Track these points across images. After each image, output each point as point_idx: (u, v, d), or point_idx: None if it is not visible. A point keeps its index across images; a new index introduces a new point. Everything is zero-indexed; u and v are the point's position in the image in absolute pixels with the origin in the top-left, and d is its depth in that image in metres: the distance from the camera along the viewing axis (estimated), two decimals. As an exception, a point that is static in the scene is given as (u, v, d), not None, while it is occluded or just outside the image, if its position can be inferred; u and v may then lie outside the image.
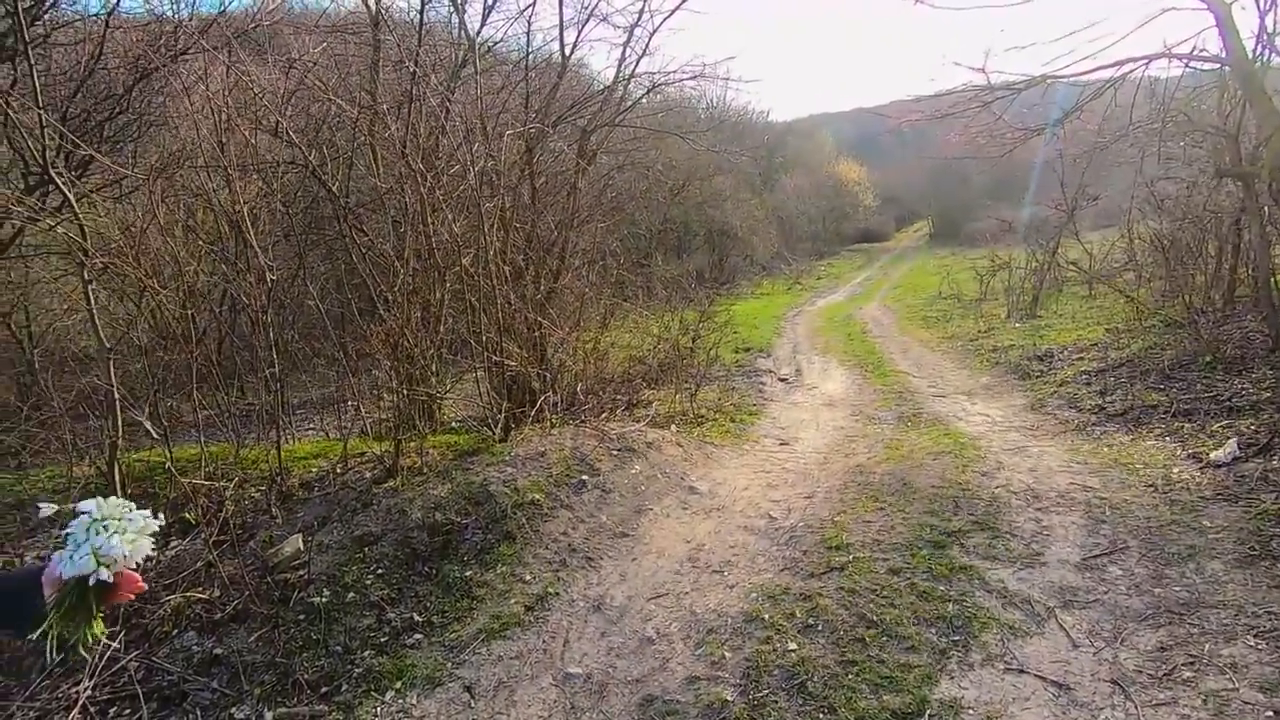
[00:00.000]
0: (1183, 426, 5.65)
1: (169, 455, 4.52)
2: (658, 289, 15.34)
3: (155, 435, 4.20)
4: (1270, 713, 2.34)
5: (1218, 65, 7.82)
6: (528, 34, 8.48)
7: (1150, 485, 4.20)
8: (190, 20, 7.38)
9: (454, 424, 7.44)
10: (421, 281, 4.56)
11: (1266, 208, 7.88)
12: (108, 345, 4.01)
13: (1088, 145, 10.36)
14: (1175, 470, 4.39)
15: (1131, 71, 7.99)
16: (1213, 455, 4.35)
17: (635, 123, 10.37)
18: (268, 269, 4.14)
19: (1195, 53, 7.65)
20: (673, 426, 7.28)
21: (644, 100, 11.67)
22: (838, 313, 17.49)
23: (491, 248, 4.65)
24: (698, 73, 9.50)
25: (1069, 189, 15.76)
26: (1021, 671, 2.75)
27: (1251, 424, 5.19)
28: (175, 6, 7.34)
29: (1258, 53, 7.12)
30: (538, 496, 4.33)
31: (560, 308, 10.80)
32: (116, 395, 3.98)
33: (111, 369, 3.78)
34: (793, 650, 3.07)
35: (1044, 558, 3.54)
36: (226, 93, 6.02)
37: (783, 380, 10.38)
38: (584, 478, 4.62)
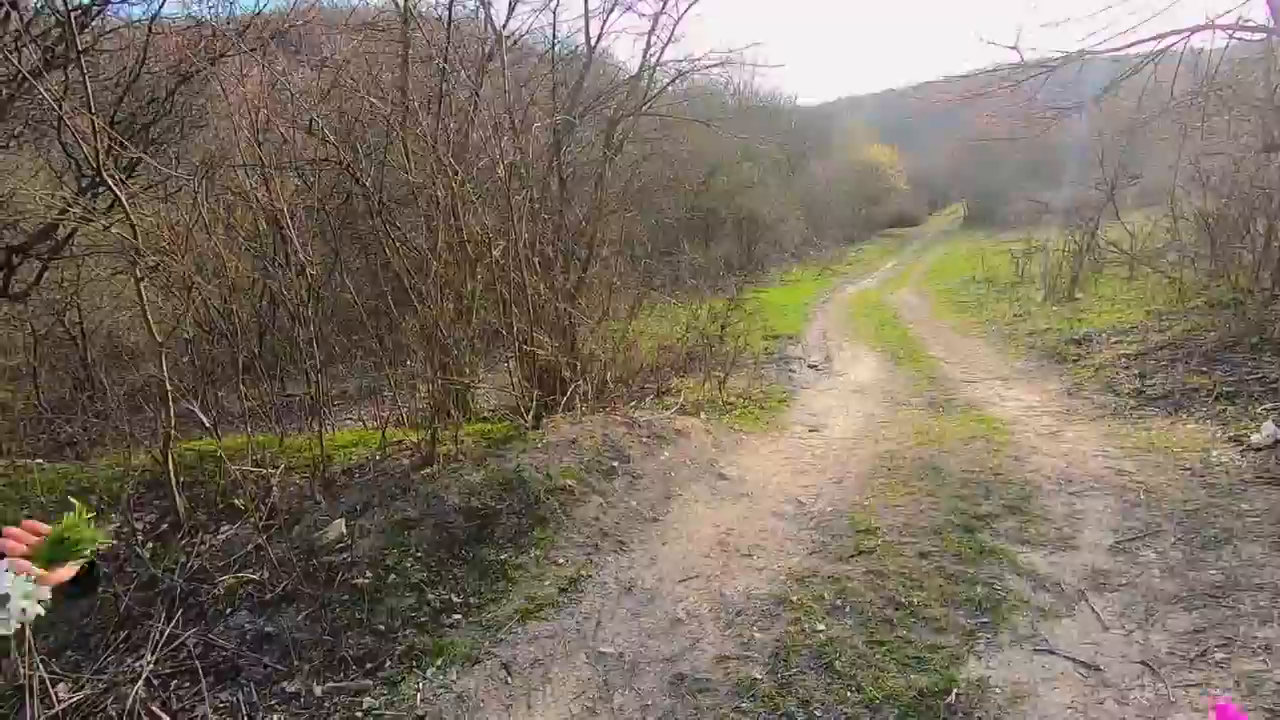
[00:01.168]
0: (1225, 409, 5.52)
1: (219, 444, 4.74)
2: (686, 277, 15.37)
3: (206, 424, 4.40)
4: (1305, 693, 2.33)
5: (1264, 35, 7.54)
6: (553, 25, 8.50)
7: (1188, 469, 4.13)
8: (228, 24, 7.60)
9: (487, 413, 7.60)
10: (453, 274, 4.68)
11: (1318, 183, 7.60)
12: (159, 340, 4.21)
13: (1126, 124, 10.06)
14: (1214, 453, 4.31)
15: (1173, 45, 7.76)
16: (1253, 438, 4.26)
17: (661, 111, 10.37)
18: (308, 263, 4.29)
19: (1240, 23, 7.40)
20: (702, 414, 7.34)
21: (670, 89, 11.66)
22: (868, 299, 17.30)
23: (520, 239, 4.74)
24: (723, 59, 9.47)
25: (1108, 168, 15.34)
26: (1051, 653, 2.77)
27: (1298, 406, 5.06)
28: (214, 10, 7.56)
29: (1308, 21, 6.85)
30: (569, 482, 4.43)
31: (590, 297, 10.91)
32: (169, 387, 4.18)
33: (164, 363, 3.97)
34: (820, 631, 3.12)
35: (1076, 541, 3.52)
36: (263, 93, 6.21)
37: (812, 367, 10.35)
38: (614, 464, 4.71)
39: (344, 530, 4.11)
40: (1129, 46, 7.82)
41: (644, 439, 5.11)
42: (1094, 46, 7.86)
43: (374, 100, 6.44)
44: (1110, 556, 3.35)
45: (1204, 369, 6.99)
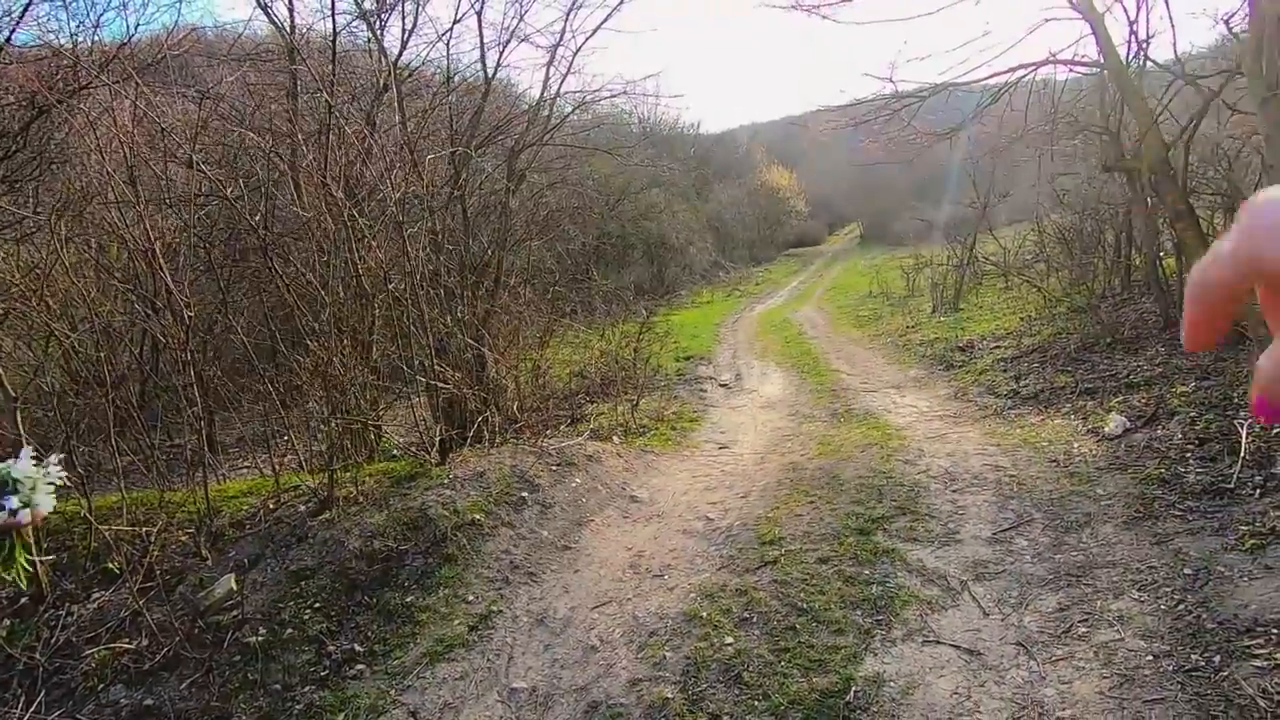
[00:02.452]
0: (1085, 404, 6.08)
1: (87, 504, 4.37)
2: (598, 304, 15.49)
3: (69, 484, 4.05)
4: (1150, 656, 2.59)
5: (1096, 69, 8.49)
6: (447, 58, 8.48)
7: (1053, 461, 4.53)
8: (90, 53, 7.15)
9: (395, 451, 7.37)
10: (349, 310, 4.55)
11: (1149, 199, 8.57)
12: (13, 395, 3.87)
13: (990, 148, 11.05)
14: (1076, 445, 4.75)
15: (1023, 76, 8.60)
16: (1106, 429, 4.73)
17: (565, 141, 10.50)
18: (185, 305, 4.06)
19: (1076, 58, 8.30)
20: (615, 438, 7.39)
21: (574, 118, 11.84)
22: (775, 317, 17.96)
23: (417, 272, 4.67)
24: (623, 89, 9.73)
25: (982, 188, 16.70)
26: (938, 643, 2.95)
27: (1142, 397, 5.64)
28: (74, 37, 7.11)
29: (1130, 57, 7.76)
30: (478, 517, 4.36)
31: (498, 328, 10.81)
32: (26, 445, 3.83)
33: (18, 418, 3.65)
34: (729, 644, 3.20)
35: (959, 535, 3.78)
36: (134, 126, 5.88)
37: (723, 386, 10.62)
38: (524, 495, 4.67)
39: (233, 586, 3.87)
40: (987, 78, 8.61)
41: (554, 467, 5.09)
42: (957, 79, 8.60)
43: (253, 134, 6.22)
44: (989, 547, 3.61)
45: (1068, 369, 7.68)
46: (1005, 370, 8.31)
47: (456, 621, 3.71)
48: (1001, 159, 12.43)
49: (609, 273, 23.68)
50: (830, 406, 8.10)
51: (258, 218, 6.15)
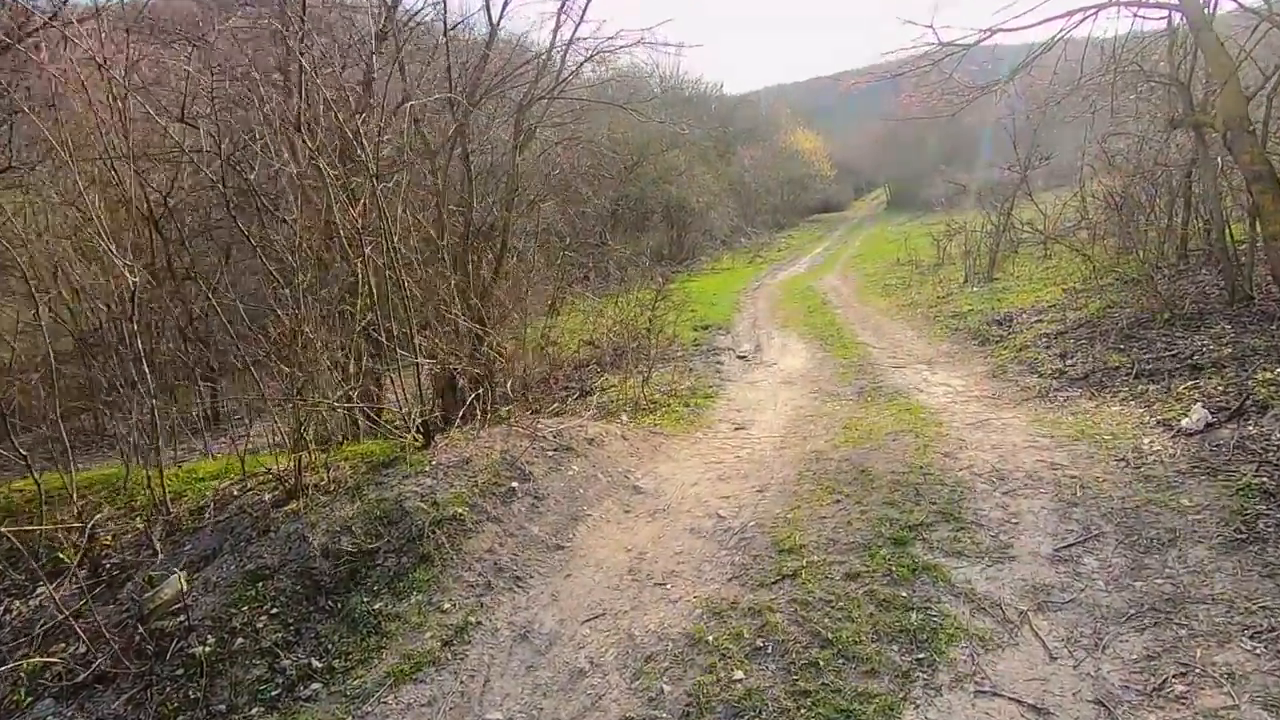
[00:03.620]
0: (1147, 389, 5.38)
1: (35, 484, 3.93)
2: (612, 269, 14.85)
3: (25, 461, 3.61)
4: (1279, 737, 2.01)
5: (1166, 11, 7.53)
6: (444, 3, 7.77)
7: (1121, 459, 3.88)
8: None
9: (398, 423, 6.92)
10: (317, 275, 4.01)
11: (1220, 159, 7.66)
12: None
13: (1040, 102, 10.10)
14: (1146, 440, 4.09)
15: (1080, 23, 7.67)
16: (1184, 423, 4.06)
17: (579, 95, 9.75)
18: (129, 270, 3.54)
19: (1144, 0, 7.35)
20: (623, 415, 6.85)
21: (590, 74, 11.07)
22: (798, 285, 17.17)
23: (396, 234, 4.09)
24: (639, 39, 8.92)
25: (1022, 149, 15.61)
26: (994, 694, 2.39)
27: (1218, 384, 4.93)
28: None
29: (1208, -4, 6.82)
30: (460, 510, 3.85)
31: (509, 293, 10.25)
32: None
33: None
34: (739, 680, 2.67)
35: (1013, 550, 3.19)
36: (112, 74, 5.31)
37: (741, 358, 10.01)
38: (514, 485, 4.15)
39: (182, 586, 3.41)
40: (1038, 24, 7.70)
41: (550, 453, 4.56)
42: (1004, 24, 7.69)
43: (241, 83, 5.63)
44: (1051, 567, 3.02)
45: (1121, 346, 6.94)
46: (1049, 347, 7.58)
47: (429, 634, 3.22)
48: (1047, 117, 11.45)
49: (628, 237, 22.95)
50: (856, 383, 7.46)
51: (252, 175, 5.59)
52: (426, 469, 4.14)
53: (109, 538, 3.81)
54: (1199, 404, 4.19)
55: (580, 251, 13.25)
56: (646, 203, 23.02)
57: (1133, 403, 5.11)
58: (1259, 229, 7.20)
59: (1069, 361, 6.94)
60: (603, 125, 18.58)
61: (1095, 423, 4.72)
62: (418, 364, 4.39)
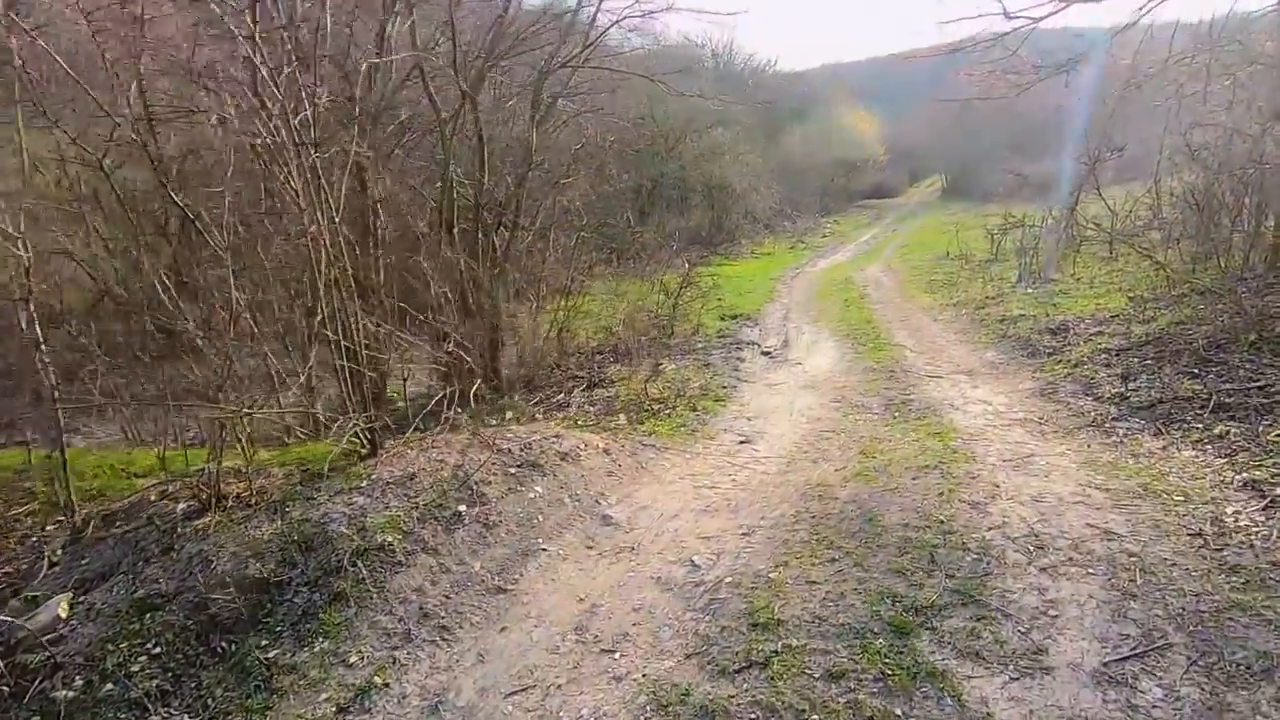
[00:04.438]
0: (1228, 430, 4.47)
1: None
2: (640, 252, 14.12)
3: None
4: None
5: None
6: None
7: (1195, 533, 3.07)
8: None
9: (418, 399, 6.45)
10: (249, 255, 3.46)
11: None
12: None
13: (1119, 86, 8.90)
14: (1228, 508, 3.25)
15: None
16: (1282, 491, 3.22)
17: (607, 65, 8.99)
18: (21, 244, 3.05)
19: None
20: (621, 417, 6.23)
21: (635, 43, 10.28)
22: (838, 275, 16.15)
23: (326, 209, 3.49)
24: (668, 4, 8.10)
25: (1093, 139, 14.19)
26: None
27: (1321, 434, 4.02)
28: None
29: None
30: (391, 538, 3.29)
31: (522, 274, 9.68)
32: None
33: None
34: (669, 817, 2.04)
35: (1048, 657, 2.45)
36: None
37: (766, 354, 9.24)
38: (461, 509, 3.57)
39: (61, 613, 2.95)
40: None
41: (513, 469, 3.96)
42: (1085, -6, 6.61)
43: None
44: (1096, 691, 2.28)
45: (1195, 371, 5.96)
46: (1108, 365, 6.62)
47: (324, 696, 2.68)
48: (1121, 107, 10.20)
49: (668, 216, 22.11)
50: (884, 393, 6.66)
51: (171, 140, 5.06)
52: (363, 485, 3.59)
53: (9, 540, 3.38)
54: None
55: (603, 232, 12.56)
56: (688, 181, 22.09)
57: (1209, 448, 4.23)
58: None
59: (1132, 385, 6.00)
60: (642, 99, 17.73)
61: (1162, 472, 3.87)
62: (349, 360, 3.82)
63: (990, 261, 14.43)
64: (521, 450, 4.14)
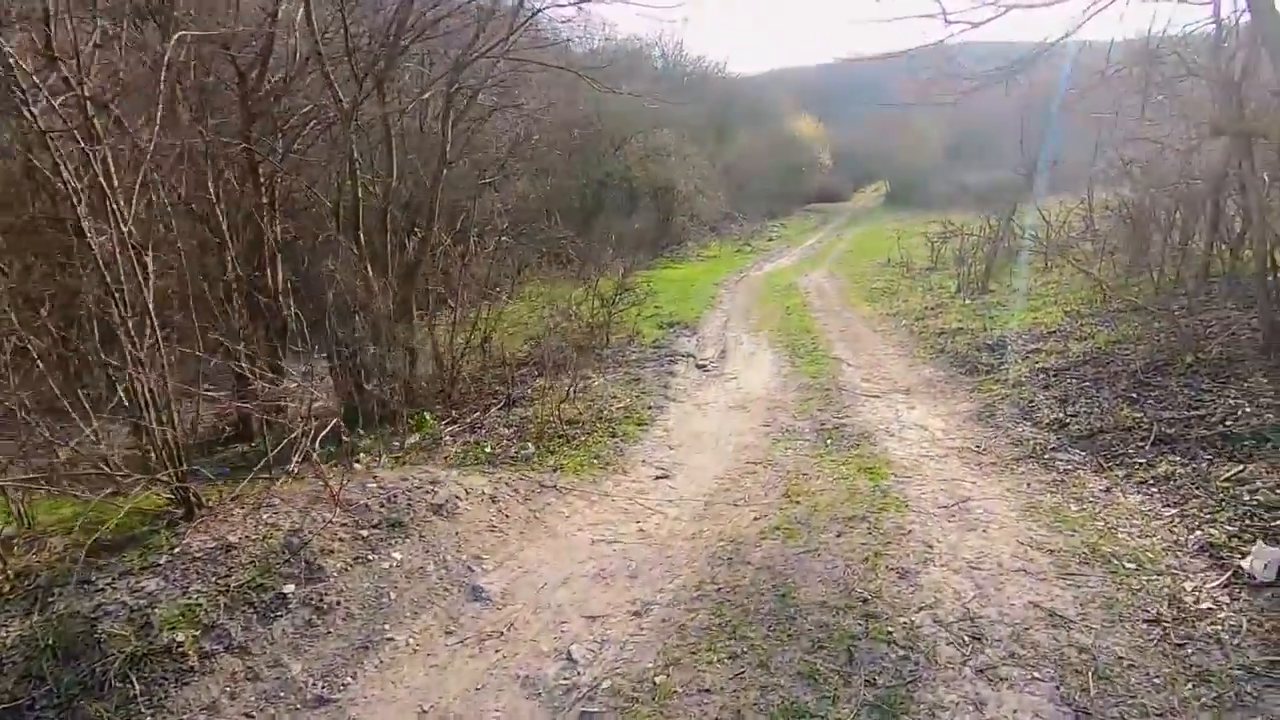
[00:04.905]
0: (1174, 471, 4.09)
1: None
2: (576, 255, 13.45)
3: None
4: None
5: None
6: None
7: (1153, 619, 2.59)
8: None
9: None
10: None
11: (1265, 176, 6.28)
12: None
13: (1058, 97, 8.69)
14: (1186, 584, 2.80)
15: (1111, 2, 6.23)
16: (1247, 566, 2.77)
17: (543, 58, 8.27)
18: None
19: (1197, -25, 5.92)
20: (531, 445, 5.56)
21: (557, 34, 9.56)
22: (782, 280, 15.79)
23: (121, 215, 2.73)
24: (597, -6, 7.42)
25: (1030, 150, 14.18)
26: None
27: (1271, 479, 3.65)
28: None
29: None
30: (183, 636, 2.56)
31: (446, 279, 8.90)
32: None
33: None
34: None
35: (986, 810, 1.92)
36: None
37: (700, 367, 8.70)
38: (287, 589, 2.86)
39: None
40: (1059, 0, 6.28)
41: (366, 530, 3.25)
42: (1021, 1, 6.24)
43: None
44: None
45: (1134, 395, 5.64)
46: (1047, 387, 6.28)
47: None
48: (1062, 115, 10.04)
49: (615, 218, 21.46)
50: (818, 417, 6.17)
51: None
52: (163, 560, 2.84)
53: None
54: (1262, 541, 2.87)
55: (535, 236, 11.82)
56: (634, 183, 21.47)
57: (1156, 492, 3.82)
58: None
59: (1070, 410, 5.65)
60: (587, 97, 17.01)
61: (1110, 526, 3.42)
62: (134, 390, 3.05)
63: (930, 269, 14.28)
64: (383, 505, 3.43)
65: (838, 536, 3.43)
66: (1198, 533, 3.16)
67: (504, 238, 7.99)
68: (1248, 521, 3.11)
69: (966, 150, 23.11)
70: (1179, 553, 3.00)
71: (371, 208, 7.34)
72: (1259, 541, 2.81)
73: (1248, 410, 4.89)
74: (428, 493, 3.64)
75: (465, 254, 8.78)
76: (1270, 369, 5.62)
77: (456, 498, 3.71)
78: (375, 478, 3.69)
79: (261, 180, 7.25)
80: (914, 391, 6.89)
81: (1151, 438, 4.76)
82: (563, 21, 9.81)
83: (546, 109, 10.52)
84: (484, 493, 3.91)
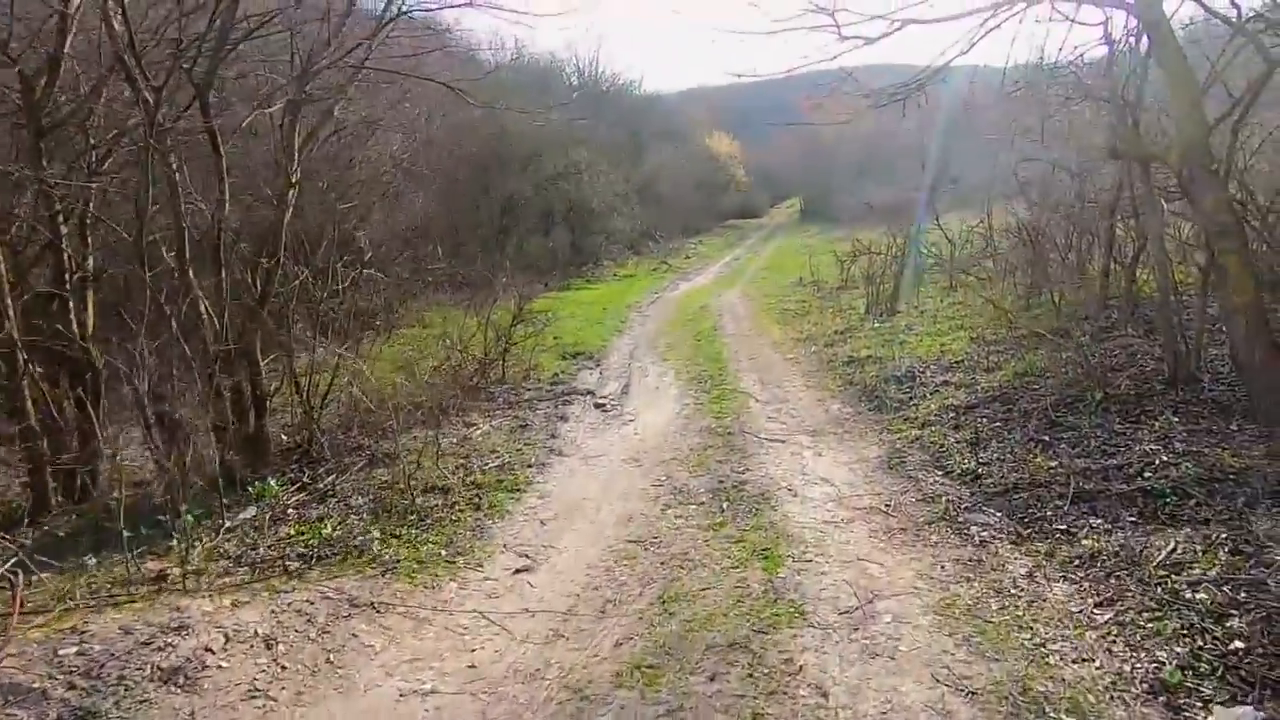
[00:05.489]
0: (1099, 547, 3.52)
1: None
2: (474, 280, 12.38)
3: None
4: None
5: (1105, 14, 5.80)
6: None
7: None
8: None
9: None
10: None
11: (1164, 203, 6.00)
12: None
13: (955, 117, 8.40)
14: (1145, 752, 2.14)
15: (1005, 19, 5.83)
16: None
17: (395, 69, 7.20)
18: None
19: (1089, -6, 5.57)
20: (376, 530, 4.52)
21: (422, 41, 8.52)
22: (696, 301, 15.18)
23: None
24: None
25: (930, 167, 14.17)
26: None
27: (1206, 561, 3.10)
28: None
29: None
30: None
31: (307, 315, 7.71)
32: None
33: None
34: None
35: None
36: None
37: (599, 406, 7.84)
38: None
39: None
40: (957, 17, 5.83)
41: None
42: (915, 17, 5.76)
43: None
44: None
45: (1046, 438, 5.17)
46: (957, 427, 5.76)
47: None
48: (964, 136, 9.85)
49: (530, 238, 20.43)
50: (717, 471, 5.42)
51: None
52: None
53: None
54: (1240, 701, 2.21)
55: (422, 262, 10.69)
56: (548, 201, 20.52)
57: (1086, 583, 3.21)
58: (1211, 291, 5.59)
59: (983, 456, 5.12)
60: (496, 114, 15.97)
61: (1039, 644, 2.75)
62: None
63: (841, 288, 14.01)
64: (77, 684, 2.36)
65: (710, 681, 2.60)
66: (1143, 657, 2.52)
67: (368, 269, 6.88)
68: (1199, 643, 2.49)
69: (872, 168, 23.37)
70: (1125, 697, 2.34)
71: (200, 238, 6.13)
72: (1216, 708, 2.16)
73: (1164, 459, 4.44)
74: (160, 650, 2.58)
75: (329, 286, 7.62)
76: (1177, 405, 5.26)
77: (208, 650, 2.67)
78: (80, 630, 2.60)
79: (58, 207, 5.94)
80: (821, 433, 6.27)
81: (1070, 494, 4.23)
82: (444, 30, 8.83)
83: (429, 125, 9.45)
84: (257, 633, 2.87)
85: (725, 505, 4.77)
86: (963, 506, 4.46)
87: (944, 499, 4.60)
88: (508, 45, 25.38)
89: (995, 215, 12.65)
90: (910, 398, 6.73)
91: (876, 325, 10.22)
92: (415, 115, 10.91)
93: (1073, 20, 6.13)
